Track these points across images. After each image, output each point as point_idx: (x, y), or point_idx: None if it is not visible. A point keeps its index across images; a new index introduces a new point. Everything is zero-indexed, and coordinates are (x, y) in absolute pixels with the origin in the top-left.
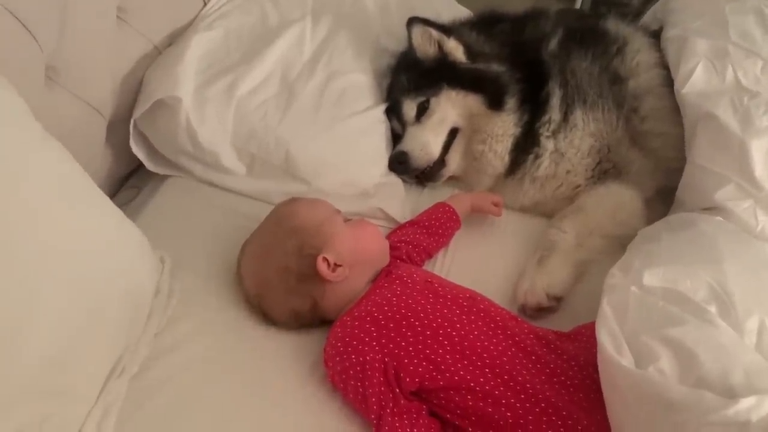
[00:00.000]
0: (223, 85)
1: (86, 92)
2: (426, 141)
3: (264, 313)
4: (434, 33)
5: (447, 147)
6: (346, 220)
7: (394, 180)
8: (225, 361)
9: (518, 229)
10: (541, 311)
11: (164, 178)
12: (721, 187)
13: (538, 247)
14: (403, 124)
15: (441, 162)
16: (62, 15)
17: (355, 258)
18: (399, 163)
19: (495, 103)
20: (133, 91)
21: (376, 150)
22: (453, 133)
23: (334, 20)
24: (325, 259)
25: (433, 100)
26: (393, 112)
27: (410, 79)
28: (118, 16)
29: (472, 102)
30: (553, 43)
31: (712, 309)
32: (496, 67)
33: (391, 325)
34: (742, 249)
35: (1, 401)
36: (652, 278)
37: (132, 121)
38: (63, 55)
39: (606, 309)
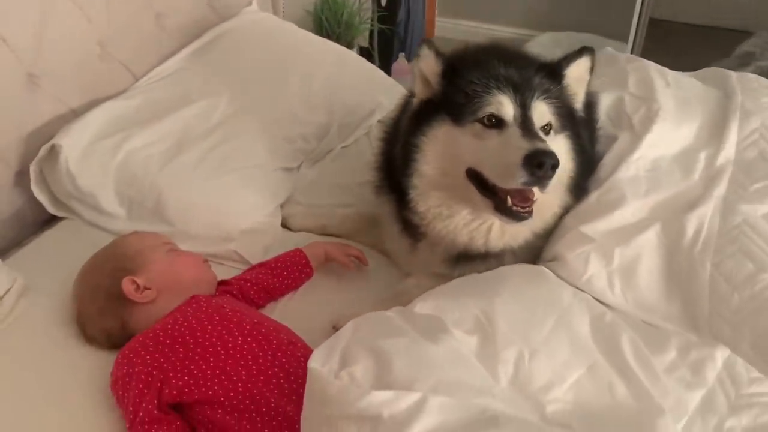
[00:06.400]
0: (116, 140)
1: None
2: None
3: (81, 330)
4: None
5: None
6: (173, 250)
7: (266, 229)
8: (30, 371)
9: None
10: None
11: (61, 219)
12: (562, 237)
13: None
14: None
15: None
16: None
17: (165, 283)
18: (552, 168)
19: None
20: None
21: (252, 204)
22: None
23: (253, 95)
24: (134, 281)
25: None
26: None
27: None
28: (32, 81)
29: None
30: None
31: (473, 339)
32: None
33: (168, 341)
34: (532, 290)
35: None
36: (422, 308)
37: (31, 167)
38: None
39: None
